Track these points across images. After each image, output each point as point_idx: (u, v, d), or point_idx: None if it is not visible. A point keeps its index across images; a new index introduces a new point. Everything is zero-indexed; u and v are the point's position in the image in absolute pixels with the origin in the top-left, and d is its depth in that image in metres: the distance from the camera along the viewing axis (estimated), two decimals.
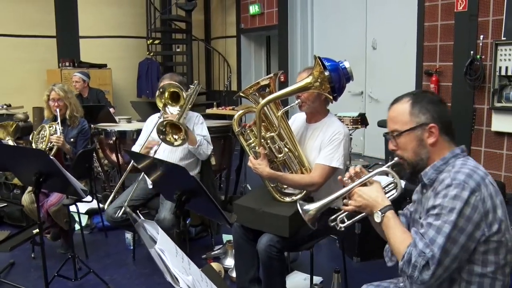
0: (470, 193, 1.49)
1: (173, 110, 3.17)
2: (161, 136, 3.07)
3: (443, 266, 1.48)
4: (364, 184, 1.77)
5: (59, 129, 3.75)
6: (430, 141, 1.65)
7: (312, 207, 1.85)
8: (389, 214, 1.66)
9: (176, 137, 3.10)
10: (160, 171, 2.31)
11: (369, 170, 1.86)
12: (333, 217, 1.88)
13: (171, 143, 3.12)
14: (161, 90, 3.12)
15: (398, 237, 1.61)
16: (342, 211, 1.84)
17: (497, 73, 4.79)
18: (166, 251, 1.18)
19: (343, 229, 1.85)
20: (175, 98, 3.16)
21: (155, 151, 3.34)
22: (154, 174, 2.45)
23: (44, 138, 3.72)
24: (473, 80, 4.98)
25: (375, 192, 1.72)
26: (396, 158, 1.74)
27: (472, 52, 5.00)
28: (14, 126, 3.98)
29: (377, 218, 1.68)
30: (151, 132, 3.32)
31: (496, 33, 4.87)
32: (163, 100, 3.14)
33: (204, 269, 1.62)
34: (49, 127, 3.76)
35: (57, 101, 3.83)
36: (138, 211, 3.43)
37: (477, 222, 1.49)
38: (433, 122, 1.65)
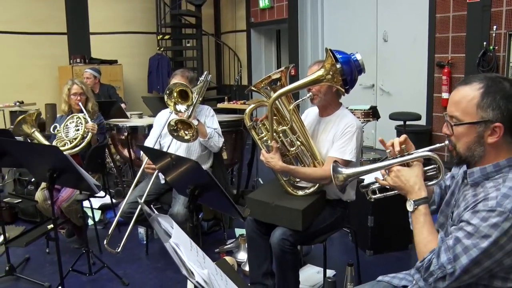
0: None
1: (183, 108, 3.18)
2: (174, 134, 3.08)
3: (459, 281, 1.44)
4: (406, 163, 1.67)
5: (89, 118, 3.84)
6: (490, 140, 1.48)
7: (345, 171, 1.80)
8: (422, 208, 1.59)
9: (187, 132, 3.11)
10: (173, 166, 2.31)
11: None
12: (365, 183, 1.82)
13: (183, 139, 3.13)
14: (168, 92, 3.13)
15: (424, 237, 1.56)
16: (376, 182, 1.78)
17: (511, 64, 4.73)
18: (181, 245, 1.18)
19: (372, 200, 1.81)
20: (184, 96, 3.16)
21: (168, 146, 3.36)
22: (167, 168, 2.45)
23: (76, 127, 3.81)
24: (486, 72, 4.93)
25: (414, 177, 1.63)
26: (446, 142, 1.59)
27: (485, 43, 4.95)
28: (35, 116, 4.01)
29: (409, 207, 1.62)
30: (163, 128, 3.33)
31: (510, 24, 4.81)
32: (173, 100, 3.15)
33: (218, 262, 1.63)
34: (82, 117, 3.84)
35: (80, 95, 3.92)
36: (151, 206, 3.46)
37: (509, 251, 1.39)
38: (500, 122, 1.45)
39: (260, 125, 2.70)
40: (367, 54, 6.39)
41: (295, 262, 2.65)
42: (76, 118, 3.86)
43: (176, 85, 3.15)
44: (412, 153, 1.69)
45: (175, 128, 3.07)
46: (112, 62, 8.32)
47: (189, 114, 3.10)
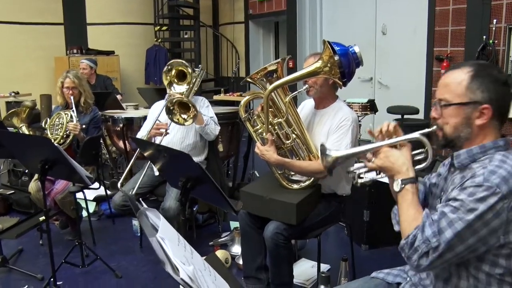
0: (498, 199, 1.36)
1: (178, 89, 3.15)
2: (169, 116, 3.05)
3: (443, 259, 1.42)
4: (393, 146, 1.65)
5: (75, 116, 3.72)
6: (478, 122, 1.50)
7: (334, 153, 1.75)
8: (409, 187, 1.56)
9: (184, 116, 3.09)
10: (165, 158, 2.28)
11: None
12: (352, 168, 1.77)
13: (180, 123, 3.10)
14: (169, 67, 3.12)
15: (410, 215, 1.53)
16: (364, 165, 1.73)
17: (510, 58, 4.69)
18: (167, 239, 1.15)
19: (358, 184, 1.77)
20: (181, 77, 3.15)
21: (160, 141, 3.32)
22: (159, 161, 2.43)
23: (60, 125, 3.71)
24: None
25: (403, 158, 1.60)
26: (434, 127, 1.60)
27: (484, 36, 4.90)
28: (26, 112, 3.95)
29: (396, 186, 1.59)
30: (157, 118, 3.29)
31: (510, 17, 4.76)
32: (168, 78, 3.13)
33: (208, 257, 1.59)
34: (65, 114, 3.73)
35: (72, 89, 3.79)
36: (144, 198, 3.43)
37: (494, 228, 1.38)
38: (489, 103, 1.48)
39: (255, 117, 2.67)
40: (365, 47, 6.35)
41: (289, 256, 2.62)
42: (62, 116, 3.76)
43: (178, 63, 3.13)
44: (401, 136, 1.68)
45: (172, 109, 3.05)
46: (109, 53, 8.26)
47: (187, 94, 3.09)
